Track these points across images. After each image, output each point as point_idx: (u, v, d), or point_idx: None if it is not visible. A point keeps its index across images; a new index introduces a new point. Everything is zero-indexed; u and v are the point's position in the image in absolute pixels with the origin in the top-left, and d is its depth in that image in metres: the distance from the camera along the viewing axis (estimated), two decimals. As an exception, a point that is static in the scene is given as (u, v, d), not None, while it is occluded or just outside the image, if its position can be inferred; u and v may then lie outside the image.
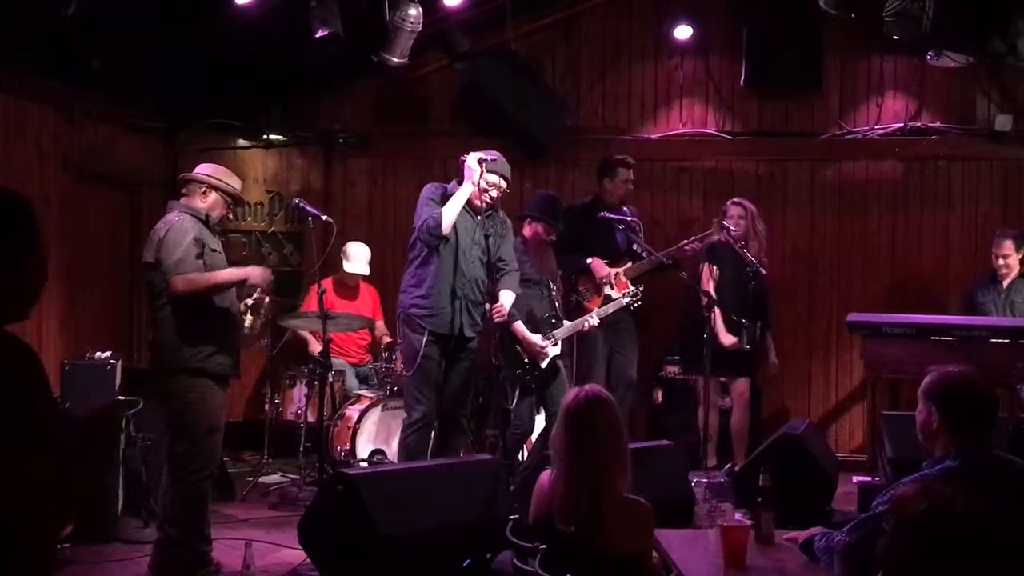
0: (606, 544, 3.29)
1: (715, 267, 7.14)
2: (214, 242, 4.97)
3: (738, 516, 3.50)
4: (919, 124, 8.14)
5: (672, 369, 7.80)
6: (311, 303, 7.06)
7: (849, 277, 8.19)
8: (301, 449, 6.97)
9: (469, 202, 5.74)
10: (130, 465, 5.75)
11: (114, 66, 6.46)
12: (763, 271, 6.95)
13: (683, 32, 8.10)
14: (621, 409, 3.88)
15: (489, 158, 5.74)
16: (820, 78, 8.11)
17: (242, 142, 8.27)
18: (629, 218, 7.03)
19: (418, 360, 5.71)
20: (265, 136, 8.29)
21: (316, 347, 6.81)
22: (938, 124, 8.13)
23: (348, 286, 7.75)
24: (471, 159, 5.73)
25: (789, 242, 8.13)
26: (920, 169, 8.16)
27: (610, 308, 6.58)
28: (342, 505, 4.49)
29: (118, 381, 5.80)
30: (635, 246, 6.98)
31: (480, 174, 5.69)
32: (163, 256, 4.79)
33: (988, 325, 6.59)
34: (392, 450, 6.56)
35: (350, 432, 6.77)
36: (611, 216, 6.90)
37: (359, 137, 8.49)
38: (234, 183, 5.13)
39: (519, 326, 6.10)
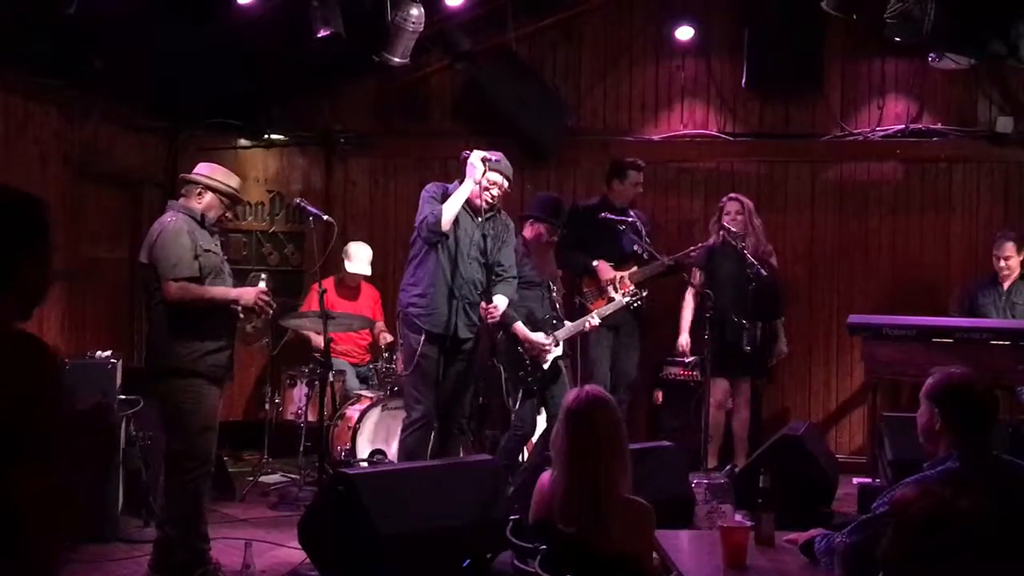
0: (606, 545, 3.29)
1: (701, 272, 7.17)
2: (208, 242, 4.95)
3: (738, 517, 3.51)
4: (920, 126, 8.13)
5: (672, 370, 7.79)
6: (312, 303, 7.06)
7: (850, 279, 8.18)
8: (301, 449, 6.97)
9: (469, 202, 5.73)
10: (130, 465, 5.76)
11: (115, 65, 6.45)
12: (763, 272, 6.95)
13: (684, 33, 8.10)
14: (621, 410, 3.88)
15: (493, 158, 5.74)
16: (821, 80, 8.10)
17: (243, 142, 8.27)
18: (630, 219, 7.03)
19: (416, 359, 5.71)
20: (266, 136, 8.28)
21: (320, 341, 6.81)
22: (939, 126, 8.13)
23: (349, 286, 7.75)
24: (474, 156, 5.72)
25: (790, 243, 8.12)
26: (921, 171, 8.16)
27: (611, 308, 6.58)
28: (342, 505, 4.49)
29: (118, 381, 5.79)
30: (636, 247, 6.98)
31: (483, 172, 5.69)
32: (157, 258, 4.79)
33: (989, 327, 6.60)
34: (392, 450, 6.56)
35: (350, 432, 6.77)
36: (611, 217, 6.89)
37: (360, 137, 8.48)
38: (231, 182, 5.12)
39: (520, 327, 6.09)
